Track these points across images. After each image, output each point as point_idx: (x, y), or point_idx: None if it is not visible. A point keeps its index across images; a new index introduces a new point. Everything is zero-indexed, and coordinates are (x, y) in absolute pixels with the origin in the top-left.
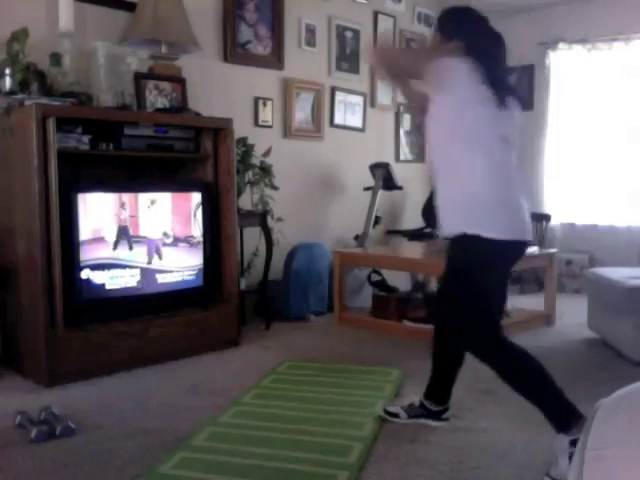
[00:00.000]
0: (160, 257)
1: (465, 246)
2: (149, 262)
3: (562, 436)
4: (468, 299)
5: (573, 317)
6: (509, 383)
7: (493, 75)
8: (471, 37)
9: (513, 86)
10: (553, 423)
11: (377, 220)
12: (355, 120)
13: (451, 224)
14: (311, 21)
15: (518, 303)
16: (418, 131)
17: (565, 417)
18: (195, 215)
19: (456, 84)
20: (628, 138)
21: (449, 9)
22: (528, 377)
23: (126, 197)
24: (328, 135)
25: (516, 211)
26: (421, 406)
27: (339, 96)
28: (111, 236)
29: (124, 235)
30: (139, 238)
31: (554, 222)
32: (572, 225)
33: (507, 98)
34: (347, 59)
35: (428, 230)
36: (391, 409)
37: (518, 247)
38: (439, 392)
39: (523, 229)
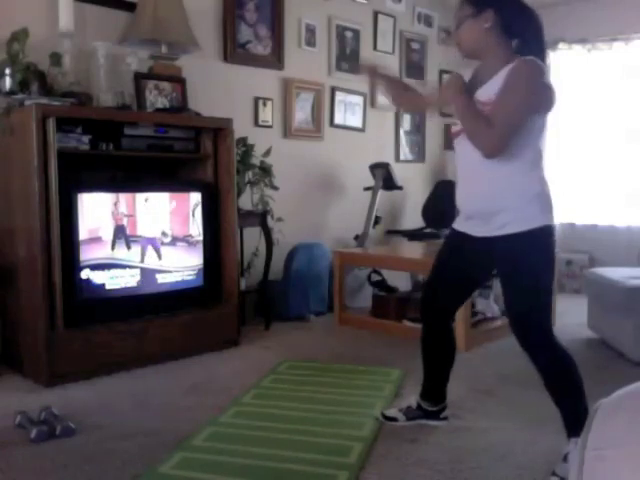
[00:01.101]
0: (160, 257)
1: (541, 239)
2: (149, 262)
3: (577, 440)
4: (547, 297)
5: (573, 317)
6: (550, 381)
7: (540, 56)
8: (505, 6)
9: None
10: (570, 428)
11: (377, 220)
12: (355, 120)
13: (522, 217)
14: (311, 21)
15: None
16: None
17: (582, 423)
18: (195, 215)
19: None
20: (628, 138)
21: None
22: (571, 379)
23: (126, 197)
24: (328, 135)
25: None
26: (418, 407)
27: (339, 96)
28: (111, 236)
29: (124, 235)
30: (139, 238)
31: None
32: (572, 225)
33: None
34: (347, 59)
35: (428, 230)
36: (388, 413)
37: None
38: (434, 392)
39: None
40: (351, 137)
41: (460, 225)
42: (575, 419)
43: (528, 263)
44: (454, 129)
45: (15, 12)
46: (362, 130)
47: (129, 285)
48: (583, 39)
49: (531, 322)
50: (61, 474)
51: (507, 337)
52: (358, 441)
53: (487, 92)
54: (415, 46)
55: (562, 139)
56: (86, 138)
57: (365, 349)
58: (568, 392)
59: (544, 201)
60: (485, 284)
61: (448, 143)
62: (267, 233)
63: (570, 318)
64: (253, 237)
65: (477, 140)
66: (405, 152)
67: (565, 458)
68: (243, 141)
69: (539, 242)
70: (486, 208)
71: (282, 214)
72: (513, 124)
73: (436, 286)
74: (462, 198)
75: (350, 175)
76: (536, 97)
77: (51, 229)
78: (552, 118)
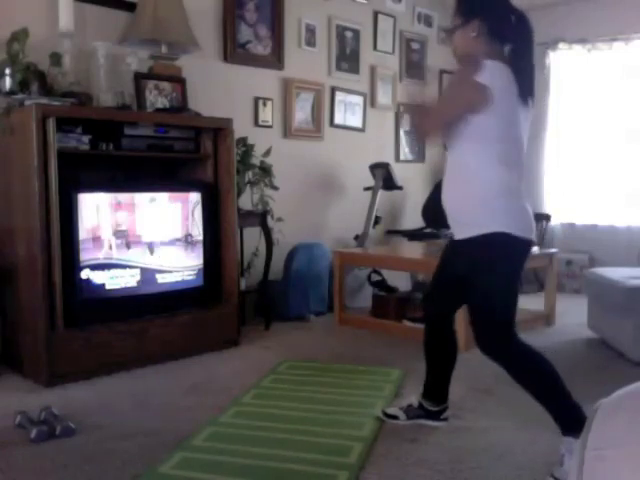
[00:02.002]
0: (160, 257)
1: (492, 245)
2: (149, 262)
3: (570, 439)
4: (501, 300)
5: (573, 317)
6: (520, 382)
7: (518, 64)
8: (490, 15)
9: (532, 74)
10: (560, 425)
11: (377, 220)
12: (355, 120)
13: (474, 223)
14: (311, 21)
15: (518, 303)
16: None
17: (572, 419)
18: (195, 215)
19: (499, 93)
20: (628, 138)
21: None
22: (540, 378)
23: (126, 197)
24: (328, 135)
25: (525, 209)
26: (419, 407)
27: (339, 96)
28: (111, 236)
29: (124, 235)
30: (139, 238)
31: (554, 222)
32: (572, 225)
33: (529, 92)
34: (347, 59)
35: (428, 230)
36: (390, 411)
37: (530, 245)
38: (436, 392)
39: (531, 227)
40: (351, 137)
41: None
42: (563, 417)
43: (481, 267)
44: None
45: (15, 12)
46: (362, 130)
47: (129, 285)
48: (583, 39)
49: (486, 326)
50: (61, 474)
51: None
52: (358, 441)
53: None
54: (415, 46)
55: (562, 139)
56: (86, 138)
57: (365, 349)
58: (545, 391)
59: (501, 208)
60: None
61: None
62: (267, 233)
63: (570, 318)
64: (253, 237)
65: (415, 129)
66: (405, 152)
67: (562, 462)
68: (243, 141)
69: (493, 247)
70: (451, 213)
71: (282, 214)
72: (444, 119)
73: (434, 289)
74: (443, 202)
75: (350, 175)
76: (464, 97)
77: (51, 229)
78: (552, 118)
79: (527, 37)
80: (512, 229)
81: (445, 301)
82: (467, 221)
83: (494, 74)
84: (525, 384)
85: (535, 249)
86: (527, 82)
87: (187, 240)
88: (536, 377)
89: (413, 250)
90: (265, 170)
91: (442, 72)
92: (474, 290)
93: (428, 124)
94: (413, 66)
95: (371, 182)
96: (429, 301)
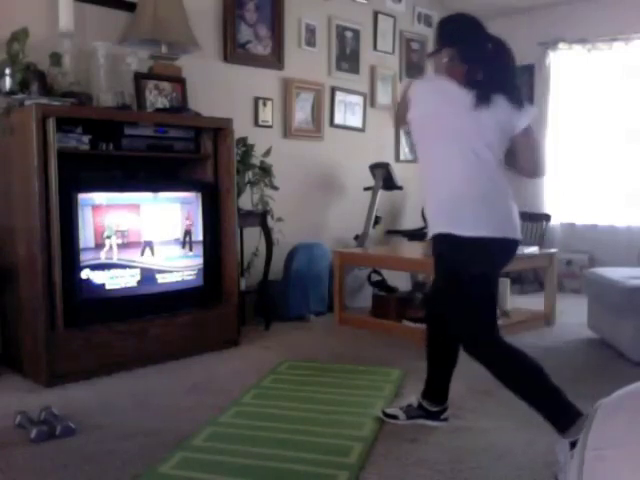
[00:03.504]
0: (160, 257)
1: (450, 246)
2: (149, 262)
3: (562, 439)
4: (463, 301)
5: (573, 317)
6: (506, 385)
7: (472, 77)
8: (461, 43)
9: (508, 85)
10: (552, 424)
11: (377, 220)
12: (355, 120)
13: (435, 224)
14: (311, 21)
15: (518, 303)
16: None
17: (564, 418)
18: (195, 215)
19: (418, 104)
20: (628, 138)
21: (443, 18)
22: (525, 379)
23: (126, 197)
24: (328, 135)
25: (499, 209)
26: (419, 407)
27: (339, 96)
28: (111, 236)
29: (124, 235)
30: (139, 238)
31: (554, 222)
32: (572, 225)
33: (488, 99)
34: (347, 59)
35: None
36: (389, 411)
37: (506, 245)
38: (436, 392)
39: (508, 227)
40: (351, 137)
41: None
42: (559, 416)
43: (439, 266)
44: None
45: (15, 12)
46: (362, 130)
47: (129, 285)
48: (583, 39)
49: (457, 324)
50: (61, 474)
51: (507, 337)
52: (358, 441)
53: None
54: (415, 46)
55: (562, 139)
56: (86, 138)
57: (365, 349)
58: (532, 392)
59: (450, 210)
60: None
61: None
62: (267, 233)
63: (570, 318)
64: (253, 237)
65: None
66: (405, 152)
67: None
68: (243, 141)
69: (445, 248)
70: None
71: (282, 214)
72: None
73: (434, 291)
74: None
75: (350, 175)
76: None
77: (51, 229)
78: (552, 118)
79: (503, 59)
80: (463, 231)
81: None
82: (429, 220)
83: (426, 91)
84: (511, 386)
85: (535, 249)
86: (480, 88)
87: (187, 240)
88: (521, 378)
89: (413, 250)
90: (265, 170)
91: None
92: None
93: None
94: (413, 66)
95: (371, 182)
96: (430, 301)
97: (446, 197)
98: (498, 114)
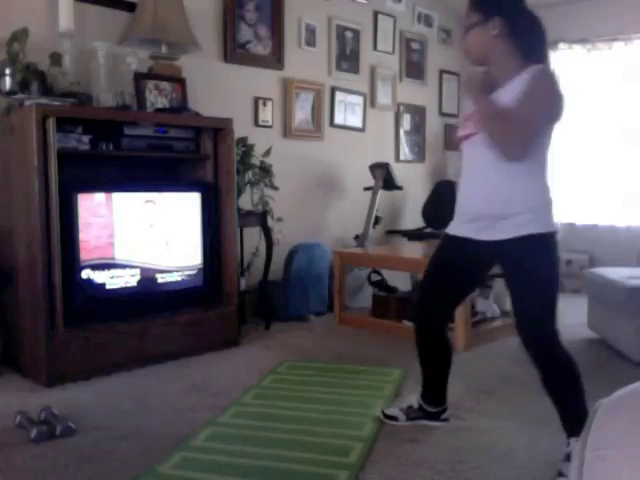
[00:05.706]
0: (160, 257)
1: (551, 243)
2: (149, 262)
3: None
4: (556, 298)
5: (573, 317)
6: (553, 384)
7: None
8: (512, 12)
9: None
10: (571, 428)
11: (377, 220)
12: (355, 120)
13: (536, 221)
14: (311, 21)
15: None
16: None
17: (581, 424)
18: (195, 215)
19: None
20: (628, 138)
21: None
22: (572, 382)
23: (126, 197)
24: (328, 135)
25: None
26: (419, 408)
27: (339, 96)
28: (111, 236)
29: (124, 235)
30: (139, 238)
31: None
32: (572, 225)
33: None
34: (347, 59)
35: (428, 230)
36: (389, 412)
37: None
38: (434, 394)
39: None
40: (351, 137)
41: (457, 230)
42: (576, 420)
43: (539, 265)
44: (461, 133)
45: (15, 12)
46: (362, 130)
47: (129, 285)
48: (583, 39)
49: (538, 324)
50: (61, 474)
51: (507, 337)
52: (358, 441)
53: (502, 99)
54: (415, 46)
55: (562, 139)
56: (86, 138)
57: (365, 349)
58: (570, 395)
59: (551, 207)
60: (481, 286)
61: (448, 143)
62: (267, 233)
63: (570, 318)
64: (253, 237)
65: (501, 143)
66: (405, 152)
67: (568, 457)
68: (243, 141)
69: (549, 245)
70: (498, 211)
71: (282, 214)
72: (535, 130)
73: (431, 293)
74: (470, 201)
75: (350, 175)
76: (555, 107)
77: (51, 229)
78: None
79: (543, 38)
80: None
81: (445, 305)
82: (521, 220)
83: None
84: (556, 387)
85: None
86: None
87: (187, 240)
88: (570, 381)
89: (413, 250)
90: (265, 170)
91: (442, 72)
92: (530, 291)
93: (516, 136)
94: (413, 66)
95: (371, 182)
96: (424, 305)
97: (547, 190)
98: None
